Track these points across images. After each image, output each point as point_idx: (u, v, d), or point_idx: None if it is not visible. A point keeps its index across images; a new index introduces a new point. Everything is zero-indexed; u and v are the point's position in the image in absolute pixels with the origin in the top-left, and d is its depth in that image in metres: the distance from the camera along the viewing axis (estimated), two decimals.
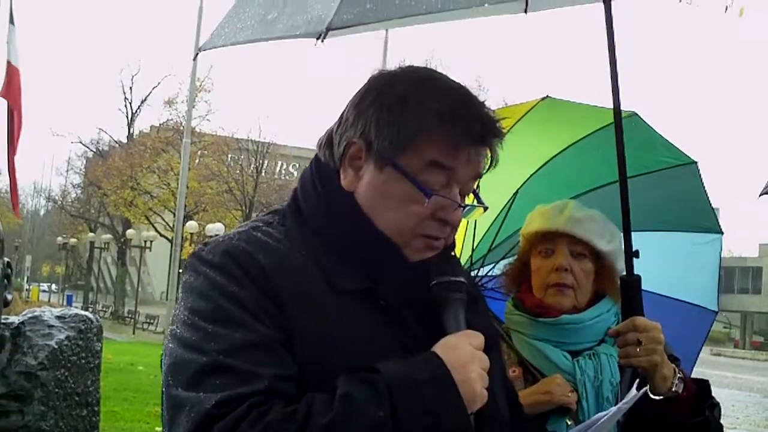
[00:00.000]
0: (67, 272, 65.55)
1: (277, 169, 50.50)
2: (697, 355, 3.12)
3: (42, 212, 78.89)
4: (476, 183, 1.55)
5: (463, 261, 2.91)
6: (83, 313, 4.06)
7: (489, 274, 2.99)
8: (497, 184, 2.81)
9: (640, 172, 2.79)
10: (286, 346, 1.38)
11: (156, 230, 44.29)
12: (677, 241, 3.08)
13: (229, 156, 45.33)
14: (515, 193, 3.01)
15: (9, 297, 3.57)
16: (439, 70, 1.60)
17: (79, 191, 58.72)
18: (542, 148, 3.03)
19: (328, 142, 1.56)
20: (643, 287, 2.15)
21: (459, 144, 1.46)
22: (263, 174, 45.64)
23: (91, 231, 55.48)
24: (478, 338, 1.43)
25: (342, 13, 2.43)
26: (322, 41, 2.45)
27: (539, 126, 2.95)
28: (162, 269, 46.71)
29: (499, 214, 3.00)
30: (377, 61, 21.03)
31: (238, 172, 44.65)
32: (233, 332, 1.36)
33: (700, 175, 2.99)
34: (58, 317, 3.85)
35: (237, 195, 44.06)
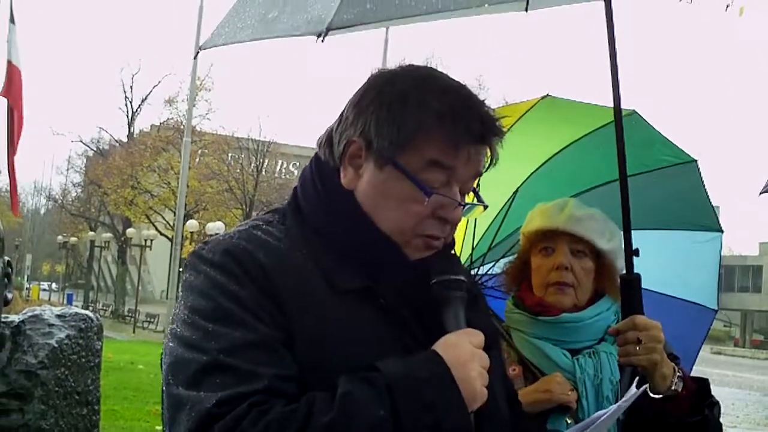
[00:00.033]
0: (68, 271, 65.56)
1: (278, 168, 50.52)
2: (697, 354, 3.12)
3: (42, 211, 78.95)
4: (476, 182, 1.55)
5: (463, 259, 2.91)
6: (83, 311, 4.06)
7: (489, 272, 2.99)
8: (497, 183, 2.81)
9: (640, 170, 2.79)
10: (287, 346, 1.38)
11: (156, 229, 44.31)
12: (677, 239, 3.08)
13: (230, 155, 45.35)
14: (515, 192, 3.01)
15: (9, 296, 3.57)
16: (439, 69, 1.60)
17: (79, 190, 58.75)
18: (542, 147, 3.03)
19: (328, 140, 1.56)
20: (643, 286, 2.15)
21: (459, 143, 1.46)
22: (263, 173, 45.64)
23: (91, 230, 55.49)
24: (478, 337, 1.43)
25: (342, 13, 2.43)
26: (322, 41, 2.46)
27: (539, 124, 2.95)
28: (162, 268, 46.73)
29: (499, 213, 3.00)
30: (377, 60, 21.02)
31: (238, 170, 44.66)
32: (234, 331, 1.36)
33: (700, 174, 2.99)
34: (59, 316, 3.85)
35: (237, 194, 44.07)
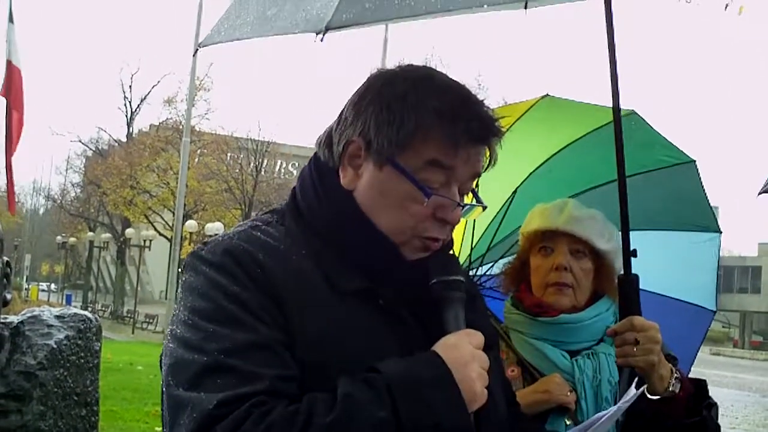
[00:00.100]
0: (67, 271, 65.51)
1: (277, 168, 50.56)
2: (695, 355, 3.12)
3: (41, 211, 78.93)
4: (475, 182, 1.55)
5: (461, 260, 2.91)
6: (82, 312, 4.07)
7: (488, 273, 2.99)
8: (496, 183, 2.81)
9: (639, 170, 2.79)
10: (287, 346, 1.37)
11: (155, 229, 44.32)
12: (676, 240, 3.08)
13: (229, 155, 45.39)
14: (514, 192, 3.00)
15: (8, 296, 3.58)
16: (438, 69, 1.60)
17: (78, 190, 58.77)
18: (542, 147, 3.03)
19: (327, 140, 1.56)
20: (641, 286, 2.15)
21: (458, 143, 1.46)
22: (263, 173, 45.69)
23: (90, 230, 55.49)
24: (477, 337, 1.43)
25: (341, 12, 2.43)
26: (321, 40, 2.46)
27: (539, 124, 2.95)
28: (161, 268, 46.69)
29: (498, 213, 3.00)
30: (376, 60, 21.04)
31: (237, 171, 44.69)
32: (234, 332, 1.35)
33: (698, 174, 2.99)
34: (58, 317, 3.86)
35: (236, 194, 44.10)
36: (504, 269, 2.61)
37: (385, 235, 1.48)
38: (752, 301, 63.69)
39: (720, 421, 2.19)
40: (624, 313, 2.10)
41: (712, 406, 2.13)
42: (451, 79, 1.55)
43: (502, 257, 2.95)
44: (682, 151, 2.98)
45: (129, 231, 46.61)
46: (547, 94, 2.94)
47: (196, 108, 40.36)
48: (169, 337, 1.43)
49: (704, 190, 3.02)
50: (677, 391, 2.05)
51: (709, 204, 3.10)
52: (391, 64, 1.63)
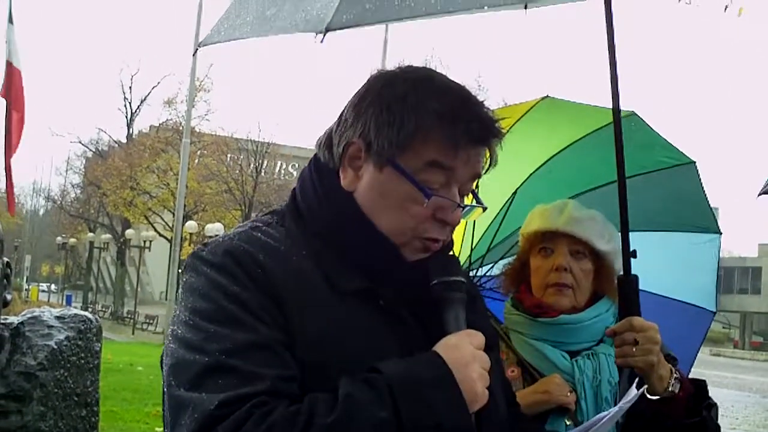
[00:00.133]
0: (67, 272, 65.50)
1: (277, 169, 50.57)
2: (695, 356, 3.12)
3: (41, 212, 78.95)
4: (475, 183, 1.56)
5: (462, 260, 2.91)
6: (82, 313, 4.07)
7: (488, 273, 2.99)
8: (496, 184, 2.81)
9: (638, 171, 2.78)
10: (287, 347, 1.37)
11: (155, 230, 44.31)
12: (676, 241, 3.08)
13: (229, 156, 45.39)
14: (514, 193, 3.01)
15: (8, 297, 3.58)
16: (438, 70, 1.60)
17: (78, 191, 58.78)
18: (541, 148, 3.04)
19: (327, 142, 1.56)
20: (641, 287, 2.15)
21: (458, 144, 1.46)
22: (263, 174, 45.69)
23: (90, 231, 55.49)
24: (478, 338, 1.43)
25: (341, 13, 2.43)
26: (321, 41, 2.45)
27: (539, 125, 2.95)
28: (161, 269, 46.68)
29: (498, 214, 3.00)
30: (376, 61, 21.05)
31: (237, 172, 44.69)
32: (235, 333, 1.36)
33: (698, 175, 2.99)
34: (58, 317, 3.86)
35: (236, 195, 44.10)
36: (504, 270, 2.61)
37: (386, 236, 1.48)
38: (752, 301, 63.66)
39: (720, 421, 2.19)
40: (623, 314, 2.10)
41: (712, 406, 2.13)
42: (451, 80, 1.55)
43: (502, 258, 2.95)
44: (682, 153, 2.98)
45: (129, 232, 46.60)
46: (547, 96, 2.94)
47: (196, 109, 40.39)
48: (170, 338, 1.43)
49: (704, 191, 3.02)
50: (677, 391, 2.05)
51: (709, 205, 3.10)
52: (391, 65, 1.63)
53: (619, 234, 2.21)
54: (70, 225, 56.68)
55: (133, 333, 35.81)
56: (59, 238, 57.66)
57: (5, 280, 3.54)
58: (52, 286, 68.99)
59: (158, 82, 51.20)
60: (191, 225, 35.77)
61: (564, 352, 2.36)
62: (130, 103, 51.82)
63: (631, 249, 2.16)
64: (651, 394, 2.01)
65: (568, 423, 2.26)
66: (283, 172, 51.55)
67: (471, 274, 2.94)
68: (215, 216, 41.42)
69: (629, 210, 2.19)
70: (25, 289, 54.34)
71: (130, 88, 52.01)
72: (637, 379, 1.91)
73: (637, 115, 2.84)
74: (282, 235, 1.50)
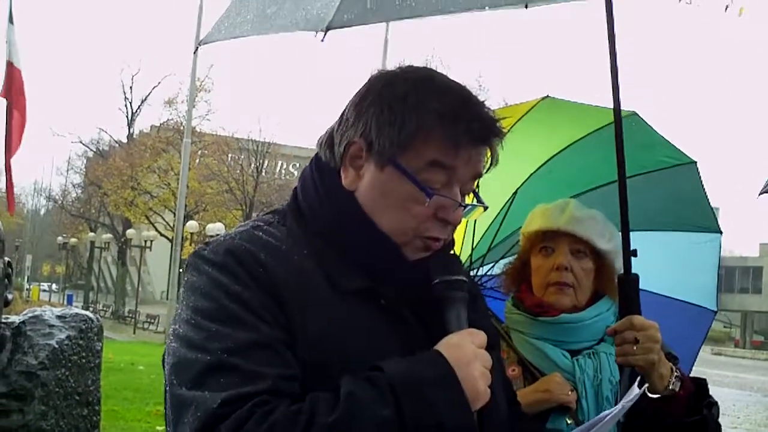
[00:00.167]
0: (68, 272, 65.57)
1: (278, 168, 50.57)
2: (696, 355, 3.12)
3: (42, 212, 78.95)
4: (476, 182, 1.56)
5: (462, 260, 2.90)
6: (84, 312, 4.06)
7: (488, 273, 2.99)
8: (497, 184, 2.81)
9: (639, 171, 2.79)
10: (289, 346, 1.38)
11: (156, 230, 44.33)
12: (676, 240, 3.08)
13: (230, 156, 45.38)
14: (515, 193, 3.01)
15: (10, 296, 3.58)
16: (439, 70, 1.60)
17: (79, 191, 58.76)
18: (542, 148, 3.04)
19: (328, 141, 1.57)
20: (642, 287, 2.15)
21: (459, 143, 1.47)
22: (263, 174, 45.69)
23: (91, 231, 55.48)
24: (480, 337, 1.44)
25: (342, 12, 2.43)
26: (322, 40, 2.46)
27: (539, 125, 2.95)
28: (162, 269, 46.72)
29: (498, 214, 3.00)
30: (377, 60, 21.05)
31: (238, 171, 44.69)
32: (237, 332, 1.36)
33: (699, 175, 2.99)
34: (59, 317, 3.85)
35: (237, 195, 44.10)
36: (505, 269, 2.62)
37: (387, 235, 1.49)
38: (753, 301, 63.64)
39: (721, 420, 2.19)
40: (624, 313, 2.10)
41: (713, 404, 2.13)
42: (451, 80, 1.55)
43: (502, 257, 2.95)
44: (682, 152, 2.98)
45: (130, 231, 46.60)
46: (548, 96, 2.94)
47: (196, 109, 40.38)
48: (171, 337, 1.43)
49: (705, 191, 3.03)
50: (677, 389, 2.05)
51: (710, 205, 3.10)
52: (391, 65, 1.63)
53: (620, 233, 2.21)
54: (71, 225, 56.69)
55: (134, 332, 35.85)
56: (60, 238, 57.68)
57: (6, 280, 3.54)
58: (53, 286, 69.04)
59: (159, 82, 51.12)
60: (192, 225, 35.80)
61: (565, 351, 2.36)
62: (130, 103, 51.79)
63: (632, 248, 2.16)
64: (651, 393, 2.01)
65: (569, 422, 2.26)
66: (283, 171, 51.55)
67: (472, 273, 2.94)
68: (216, 216, 41.42)
69: (630, 210, 2.19)
70: (27, 289, 54.36)
71: (131, 88, 51.90)
72: (639, 378, 1.91)
73: (637, 114, 2.84)
74: (283, 234, 1.50)
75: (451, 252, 1.62)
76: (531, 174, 3.04)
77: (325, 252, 1.49)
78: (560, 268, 2.37)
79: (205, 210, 43.12)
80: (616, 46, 2.26)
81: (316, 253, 1.48)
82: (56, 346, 3.63)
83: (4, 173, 9.66)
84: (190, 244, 33.30)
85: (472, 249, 3.07)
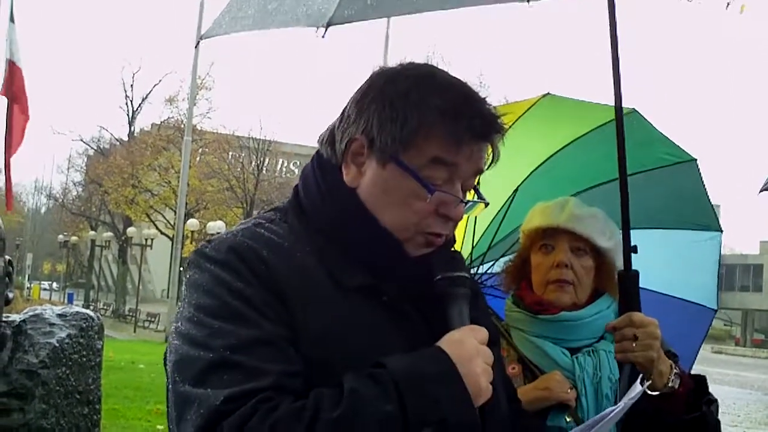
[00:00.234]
0: (68, 270, 65.59)
1: (278, 166, 50.57)
2: (696, 354, 3.12)
3: (43, 210, 79.03)
4: (477, 179, 1.56)
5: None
6: (84, 311, 4.06)
7: (488, 271, 2.99)
8: (498, 182, 2.81)
9: (639, 169, 2.78)
10: (291, 342, 1.38)
11: (157, 228, 44.35)
12: (677, 238, 3.07)
13: (230, 154, 45.40)
14: (515, 191, 3.01)
15: (10, 295, 3.58)
16: (440, 66, 1.60)
17: (80, 189, 58.82)
18: (543, 145, 3.03)
19: (330, 138, 1.57)
20: (642, 285, 2.15)
21: (461, 140, 1.47)
22: (264, 171, 45.70)
23: (92, 229, 55.53)
24: (482, 333, 1.44)
25: (343, 8, 2.43)
26: (323, 36, 2.45)
27: (540, 123, 2.95)
28: (163, 267, 46.76)
29: (499, 212, 3.00)
30: (378, 56, 21.08)
31: (239, 169, 44.71)
32: (239, 329, 1.36)
33: (699, 173, 2.99)
34: (60, 315, 3.85)
35: (238, 193, 44.12)
36: (505, 267, 2.62)
37: (389, 231, 1.49)
38: (754, 299, 63.64)
39: (721, 418, 2.20)
40: (623, 309, 2.11)
41: (713, 402, 2.13)
42: (453, 76, 1.56)
43: (503, 256, 2.94)
44: (683, 150, 2.98)
45: (131, 230, 46.64)
46: (548, 93, 2.94)
47: (197, 107, 40.43)
48: (174, 334, 1.43)
49: (705, 189, 3.02)
50: (677, 386, 2.05)
51: (710, 203, 3.10)
52: (392, 61, 1.64)
53: (620, 231, 2.21)
54: (72, 223, 56.72)
55: (134, 331, 35.84)
56: (61, 236, 57.70)
57: (7, 279, 3.54)
58: (54, 285, 69.11)
59: (160, 80, 51.11)
60: (193, 223, 35.83)
61: (564, 349, 2.36)
62: (131, 101, 51.81)
63: (632, 245, 2.16)
64: (651, 390, 2.02)
65: (568, 420, 2.26)
66: (284, 169, 51.57)
67: (472, 271, 2.94)
68: (217, 214, 41.43)
69: (630, 207, 2.19)
70: (27, 288, 54.36)
71: (132, 86, 51.91)
72: (641, 375, 1.91)
73: (638, 112, 2.83)
74: (285, 231, 1.51)
75: (453, 248, 1.62)
76: (531, 172, 3.04)
77: (327, 249, 1.49)
78: (560, 266, 2.37)
79: (206, 208, 43.13)
80: (618, 44, 2.26)
81: (318, 251, 1.48)
82: (57, 344, 3.64)
83: (4, 171, 9.65)
84: (191, 243, 33.33)
85: (473, 247, 3.06)
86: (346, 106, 1.56)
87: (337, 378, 1.33)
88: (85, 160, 56.71)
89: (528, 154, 3.01)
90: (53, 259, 74.52)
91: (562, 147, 3.01)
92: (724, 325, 65.17)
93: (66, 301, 48.77)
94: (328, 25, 2.41)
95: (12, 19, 9.63)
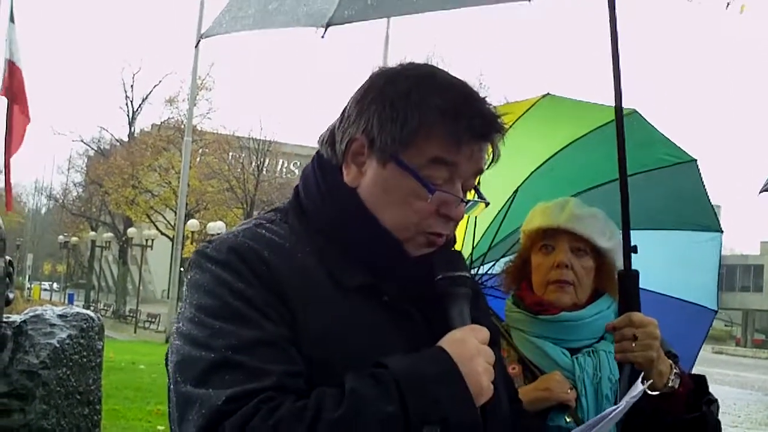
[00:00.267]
0: (69, 271, 65.62)
1: (278, 167, 50.55)
2: (697, 354, 3.11)
3: (43, 211, 79.04)
4: (478, 179, 1.56)
5: None
6: (85, 311, 4.07)
7: (489, 272, 2.99)
8: (498, 182, 2.81)
9: (639, 170, 2.78)
10: (293, 343, 1.38)
11: (157, 229, 44.36)
12: (677, 239, 3.07)
13: (230, 154, 45.41)
14: (516, 191, 3.00)
15: (11, 296, 3.58)
16: (440, 66, 1.60)
17: (80, 190, 58.83)
18: (543, 146, 3.03)
19: (330, 138, 1.57)
20: (642, 286, 2.15)
21: (461, 140, 1.47)
22: (264, 172, 45.71)
23: (92, 229, 55.53)
24: (483, 332, 1.44)
25: (343, 8, 2.43)
26: (323, 37, 2.45)
27: (540, 123, 2.95)
28: (163, 268, 46.78)
29: (499, 212, 3.00)
30: (378, 56, 21.10)
31: (239, 170, 44.72)
32: (241, 329, 1.36)
33: (700, 173, 2.99)
34: (60, 316, 3.86)
35: (238, 193, 44.12)
36: (505, 268, 2.62)
37: (389, 231, 1.49)
38: (754, 299, 63.65)
39: (722, 419, 2.19)
40: (623, 309, 2.11)
41: (713, 402, 2.13)
42: (453, 76, 1.56)
43: (503, 256, 2.94)
44: (683, 150, 2.98)
45: (131, 230, 46.64)
46: (548, 93, 2.94)
47: (197, 107, 40.43)
48: (175, 335, 1.43)
49: (705, 190, 3.02)
50: (677, 386, 2.05)
51: (711, 203, 3.10)
52: (392, 62, 1.64)
53: (620, 231, 2.21)
54: (72, 223, 56.72)
55: (135, 331, 35.83)
56: (61, 237, 57.71)
57: (7, 279, 3.54)
58: (54, 285, 69.14)
59: (160, 81, 51.07)
60: (193, 223, 35.85)
61: (564, 349, 2.36)
62: (131, 101, 51.78)
63: (632, 245, 2.16)
64: (651, 390, 2.01)
65: (568, 420, 2.26)
66: (284, 170, 51.56)
67: (472, 272, 2.94)
68: (217, 214, 41.43)
69: (630, 208, 2.19)
70: (28, 288, 54.33)
71: (132, 86, 51.87)
72: (642, 374, 1.91)
73: (638, 113, 2.83)
74: (286, 231, 1.51)
75: (454, 248, 1.62)
76: (532, 172, 3.04)
77: (327, 249, 1.49)
78: (560, 266, 2.37)
79: (206, 209, 43.13)
80: (618, 44, 2.26)
81: (319, 251, 1.49)
82: (57, 345, 3.64)
83: (3, 171, 9.65)
84: (191, 243, 33.36)
85: (473, 248, 3.06)
86: (346, 107, 1.56)
87: (338, 378, 1.33)
88: (86, 160, 56.72)
89: (528, 155, 3.01)
90: (54, 260, 74.56)
91: (562, 147, 3.01)
92: (725, 325, 65.16)
93: (66, 301, 48.74)
94: (328, 25, 2.41)
95: (12, 19, 9.63)
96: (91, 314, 4.04)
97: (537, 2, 2.69)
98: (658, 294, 2.92)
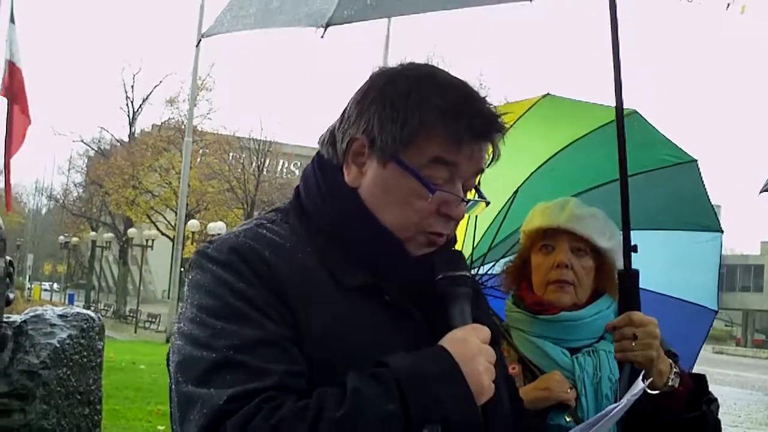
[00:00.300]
0: (69, 271, 65.63)
1: (279, 167, 50.55)
2: (697, 354, 3.11)
3: (44, 211, 79.05)
4: (478, 178, 1.56)
5: None
6: (85, 311, 4.07)
7: (489, 272, 2.99)
8: (498, 182, 2.81)
9: (640, 170, 2.78)
10: (294, 342, 1.38)
11: (158, 229, 44.37)
12: (677, 239, 3.07)
13: (231, 154, 45.42)
14: (516, 191, 3.01)
15: (11, 296, 3.59)
16: (440, 67, 1.61)
17: (80, 190, 58.83)
18: (543, 146, 3.03)
19: (330, 138, 1.57)
20: (642, 286, 2.15)
21: (461, 140, 1.48)
22: (265, 172, 45.72)
23: (92, 230, 55.53)
24: (484, 332, 1.44)
25: (342, 8, 2.43)
26: (322, 36, 2.46)
27: (540, 123, 2.95)
28: (164, 268, 46.81)
29: (499, 212, 3.00)
30: (378, 57, 21.10)
31: (239, 170, 44.73)
32: (242, 329, 1.36)
33: (700, 174, 2.99)
34: (60, 316, 3.87)
35: (239, 193, 44.13)
36: (505, 268, 2.62)
37: (390, 231, 1.49)
38: (755, 299, 63.65)
39: (722, 418, 2.19)
40: (623, 308, 2.11)
41: (712, 401, 2.13)
42: (453, 76, 1.56)
43: (503, 256, 2.94)
44: (683, 151, 2.98)
45: (131, 231, 46.64)
46: (548, 93, 2.94)
47: (198, 108, 40.41)
48: (176, 335, 1.43)
49: (705, 190, 3.02)
50: (676, 385, 2.05)
51: (711, 204, 3.10)
52: (393, 62, 1.64)
53: (620, 231, 2.21)
54: (73, 224, 56.73)
55: (135, 331, 35.84)
56: (62, 237, 57.74)
57: (8, 279, 3.55)
58: (55, 285, 69.16)
59: (160, 81, 51.04)
60: (193, 224, 35.86)
61: (564, 349, 2.36)
62: (132, 102, 51.75)
63: (632, 244, 2.16)
64: (651, 389, 2.01)
65: (568, 419, 2.27)
66: (285, 170, 51.54)
67: (473, 272, 2.94)
68: (217, 215, 41.44)
69: (630, 208, 2.19)
70: (28, 288, 54.33)
71: (132, 87, 51.82)
72: (642, 373, 1.91)
73: (638, 113, 2.83)
74: (287, 232, 1.51)
75: (454, 248, 1.62)
76: (532, 172, 3.04)
77: (327, 249, 1.49)
78: (560, 266, 2.37)
79: (207, 209, 43.13)
80: (619, 45, 2.26)
81: (319, 251, 1.49)
82: (58, 345, 3.65)
83: (3, 172, 9.66)
84: (192, 243, 33.38)
85: (473, 248, 3.06)
86: (346, 107, 1.56)
87: (339, 378, 1.34)
88: (86, 161, 56.70)
89: (528, 155, 3.01)
90: (54, 260, 74.59)
91: (562, 147, 3.01)
92: (725, 325, 65.16)
93: (67, 301, 48.78)
94: (328, 25, 2.41)
95: (12, 20, 9.64)
96: (92, 314, 4.04)
97: (538, 2, 2.70)
98: (659, 294, 2.92)
